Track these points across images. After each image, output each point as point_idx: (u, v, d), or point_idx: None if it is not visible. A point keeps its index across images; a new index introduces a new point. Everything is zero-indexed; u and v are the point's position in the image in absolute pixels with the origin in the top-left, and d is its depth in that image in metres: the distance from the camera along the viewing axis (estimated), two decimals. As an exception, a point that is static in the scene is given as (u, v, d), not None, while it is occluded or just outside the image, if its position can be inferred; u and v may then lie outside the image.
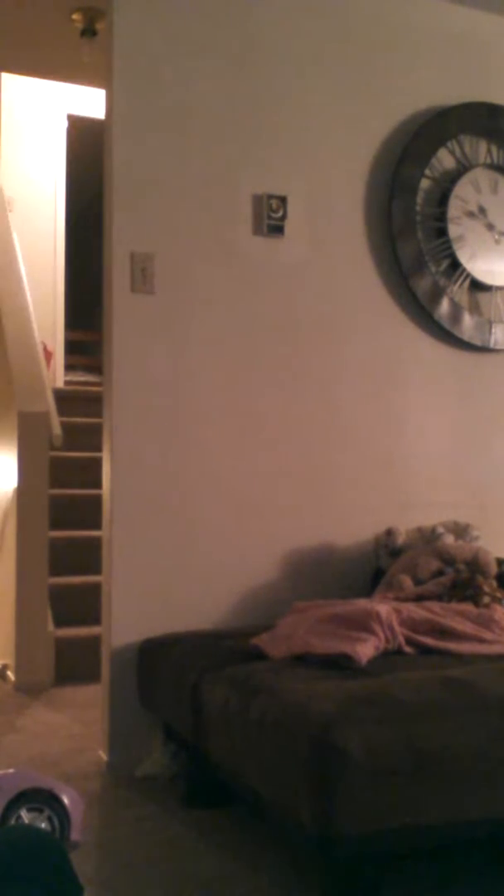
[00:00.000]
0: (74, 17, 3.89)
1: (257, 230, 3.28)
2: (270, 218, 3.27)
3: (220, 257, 3.23)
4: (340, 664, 2.41)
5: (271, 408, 3.29)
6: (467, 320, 3.61)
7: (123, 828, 2.57)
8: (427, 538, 3.24)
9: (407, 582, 3.07)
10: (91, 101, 5.87)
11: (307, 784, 1.99)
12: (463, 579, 3.01)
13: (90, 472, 4.30)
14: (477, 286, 3.63)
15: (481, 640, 2.67)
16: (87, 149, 6.02)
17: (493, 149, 3.68)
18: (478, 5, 3.64)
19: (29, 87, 6.16)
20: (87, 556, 4.16)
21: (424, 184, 3.55)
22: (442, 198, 3.58)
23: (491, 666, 2.46)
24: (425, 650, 2.61)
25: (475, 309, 3.64)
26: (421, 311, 3.54)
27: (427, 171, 3.55)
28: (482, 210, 3.65)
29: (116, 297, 3.07)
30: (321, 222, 3.39)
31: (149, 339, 3.11)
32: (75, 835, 2.07)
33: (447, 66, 3.63)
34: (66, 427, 4.53)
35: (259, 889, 2.22)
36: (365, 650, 2.45)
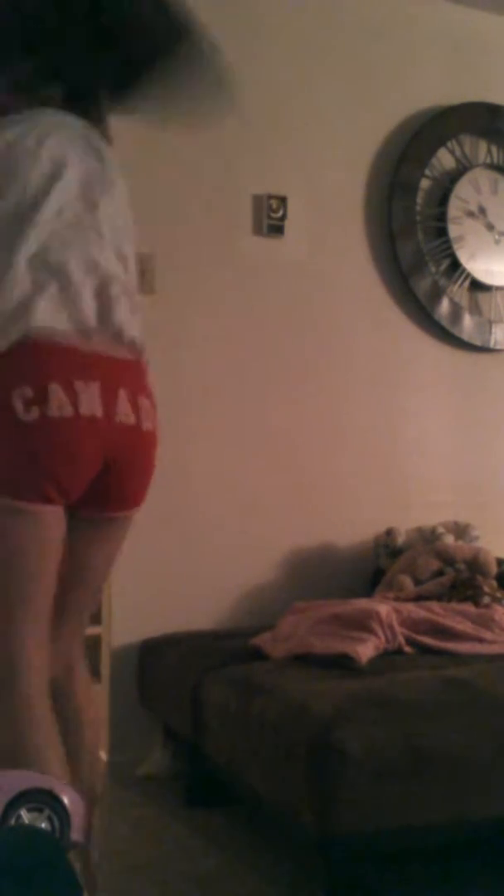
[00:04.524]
0: (74, 17, 3.88)
1: (257, 230, 3.28)
2: (270, 218, 3.27)
3: (220, 257, 3.23)
4: (340, 664, 2.41)
5: (271, 407, 3.28)
6: (467, 320, 3.61)
7: (123, 828, 2.57)
8: (427, 538, 3.24)
9: (407, 582, 3.07)
10: (91, 101, 5.86)
11: (307, 784, 1.99)
12: (463, 579, 3.01)
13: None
14: (477, 286, 3.63)
15: (481, 640, 2.67)
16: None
17: (493, 149, 3.68)
18: (478, 5, 3.64)
19: (29, 87, 6.15)
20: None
21: (424, 184, 3.55)
22: (442, 198, 3.58)
23: (491, 666, 2.46)
24: (425, 650, 2.61)
25: (475, 309, 3.64)
26: (421, 311, 3.54)
27: (427, 171, 3.55)
28: (482, 210, 3.65)
29: (116, 297, 3.07)
30: (321, 222, 3.39)
31: (148, 339, 3.09)
32: (75, 835, 2.06)
33: (447, 66, 3.63)
34: (66, 427, 4.52)
35: (259, 889, 2.22)
36: (365, 650, 2.45)
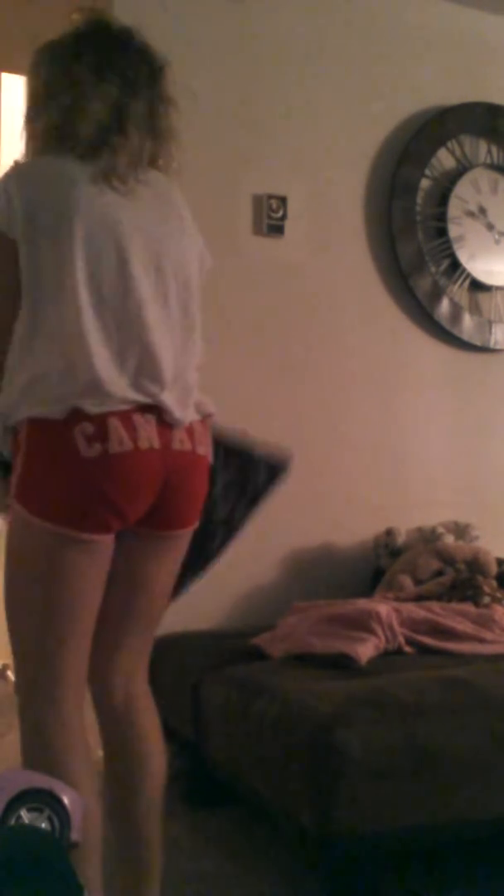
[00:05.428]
0: (74, 17, 3.88)
1: (257, 230, 3.28)
2: (270, 218, 3.27)
3: (219, 257, 3.21)
4: (340, 664, 2.41)
5: (270, 407, 3.28)
6: (467, 320, 3.61)
7: (123, 828, 2.57)
8: (427, 538, 3.24)
9: (407, 582, 3.07)
10: (91, 101, 5.86)
11: (307, 784, 1.99)
12: (463, 579, 3.02)
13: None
14: (477, 286, 3.63)
15: (481, 640, 2.67)
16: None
17: (493, 149, 3.68)
18: (478, 5, 3.64)
19: (29, 87, 6.14)
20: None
21: (424, 184, 3.55)
22: (442, 198, 3.58)
23: (491, 666, 2.46)
24: (425, 650, 2.61)
25: (475, 309, 3.64)
26: (421, 311, 3.54)
27: (427, 171, 3.55)
28: (482, 210, 3.65)
29: (116, 297, 3.07)
30: (321, 222, 3.39)
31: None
32: (75, 835, 2.06)
33: (447, 66, 3.63)
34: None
35: (259, 889, 2.22)
36: (365, 650, 2.45)
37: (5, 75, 5.65)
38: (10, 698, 4.05)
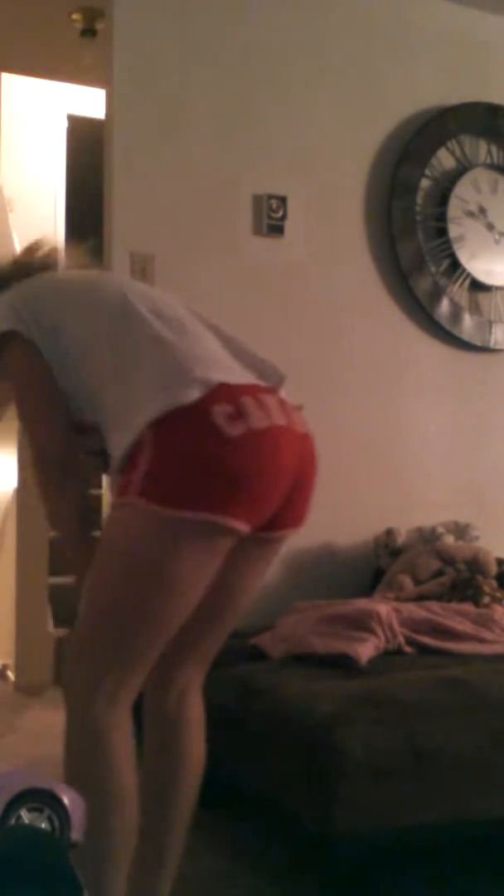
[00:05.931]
0: (74, 17, 3.89)
1: (257, 230, 3.28)
2: (270, 218, 3.27)
3: (220, 257, 3.23)
4: (340, 664, 2.41)
5: (271, 408, 3.28)
6: (467, 320, 3.61)
7: (123, 828, 2.57)
8: (427, 538, 3.24)
9: (407, 582, 3.07)
10: (91, 101, 5.87)
11: (307, 784, 1.99)
12: (463, 579, 3.02)
13: (90, 472, 4.28)
14: (477, 286, 3.63)
15: (481, 640, 2.67)
16: (87, 149, 6.01)
17: (493, 149, 3.68)
18: (478, 5, 3.64)
19: (29, 87, 6.15)
20: (87, 556, 4.15)
21: (424, 184, 3.55)
22: (442, 198, 3.58)
23: (491, 666, 2.46)
24: (425, 650, 2.61)
25: (475, 309, 3.64)
26: (421, 311, 3.54)
27: (427, 171, 3.55)
28: (482, 210, 3.65)
29: (116, 297, 3.07)
30: (321, 222, 3.39)
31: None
32: (75, 835, 2.06)
33: (447, 66, 3.63)
34: (66, 427, 4.51)
35: (259, 889, 2.22)
36: (365, 650, 2.45)
37: (5, 75, 5.66)
38: (10, 698, 4.06)
